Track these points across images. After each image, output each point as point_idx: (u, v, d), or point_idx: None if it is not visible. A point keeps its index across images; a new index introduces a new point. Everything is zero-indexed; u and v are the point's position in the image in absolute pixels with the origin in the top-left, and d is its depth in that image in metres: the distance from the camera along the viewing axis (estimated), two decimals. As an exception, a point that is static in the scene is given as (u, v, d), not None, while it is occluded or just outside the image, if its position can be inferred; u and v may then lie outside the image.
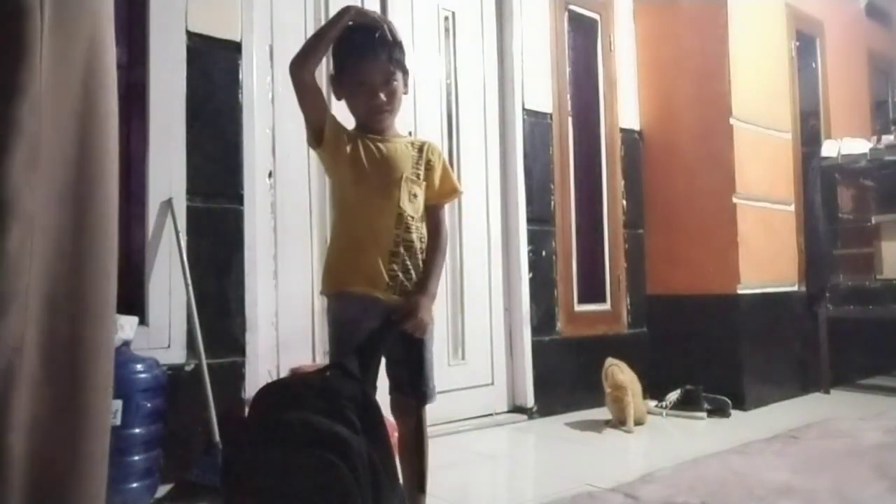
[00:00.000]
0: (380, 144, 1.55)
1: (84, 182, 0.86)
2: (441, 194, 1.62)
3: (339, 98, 1.60)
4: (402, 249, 1.52)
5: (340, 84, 1.57)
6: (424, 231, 1.58)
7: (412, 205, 1.54)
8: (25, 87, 0.76)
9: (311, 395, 1.21)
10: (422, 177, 1.58)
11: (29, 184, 0.76)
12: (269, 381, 1.34)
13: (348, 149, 1.53)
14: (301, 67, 1.50)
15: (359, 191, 1.52)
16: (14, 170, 0.74)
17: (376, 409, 1.29)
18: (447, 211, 1.72)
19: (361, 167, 1.52)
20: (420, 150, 1.60)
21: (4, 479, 0.74)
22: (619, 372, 2.88)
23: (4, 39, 0.76)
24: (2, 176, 0.74)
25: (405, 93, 1.59)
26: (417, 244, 1.55)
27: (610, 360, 2.94)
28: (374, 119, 1.55)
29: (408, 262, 1.52)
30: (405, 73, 1.57)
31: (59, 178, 0.81)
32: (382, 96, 1.51)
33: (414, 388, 1.54)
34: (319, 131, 1.53)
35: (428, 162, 1.59)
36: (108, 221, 0.90)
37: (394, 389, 1.57)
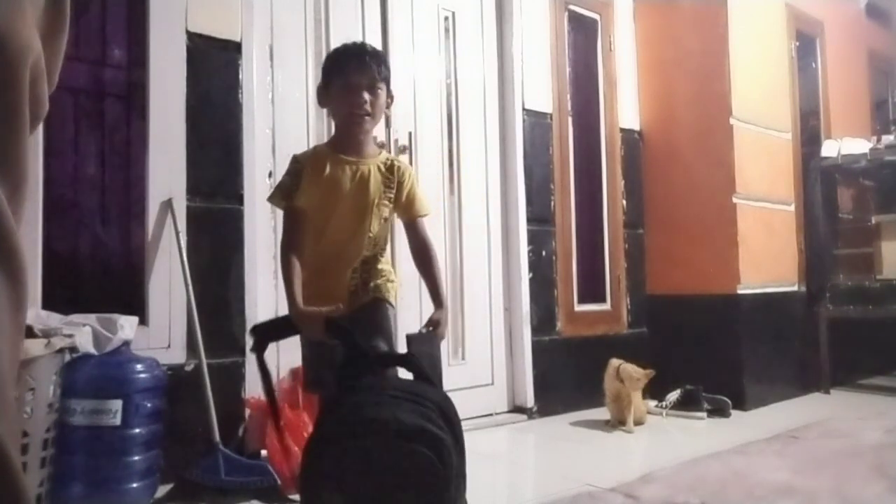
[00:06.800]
0: (355, 168, 1.59)
1: None
2: (410, 213, 1.67)
3: (323, 106, 1.68)
4: (360, 265, 1.61)
5: (327, 90, 1.62)
6: (385, 246, 1.67)
7: (381, 227, 1.62)
8: None
9: (400, 396, 1.23)
10: (392, 199, 1.63)
11: None
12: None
13: (326, 172, 1.57)
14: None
15: (331, 215, 1.57)
16: None
17: (455, 413, 1.31)
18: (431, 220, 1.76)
19: (336, 193, 1.57)
20: (391, 170, 1.64)
21: None
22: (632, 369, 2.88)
23: None
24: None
25: (387, 109, 1.65)
26: (376, 255, 1.64)
27: (616, 360, 2.94)
28: (354, 120, 1.58)
29: (365, 275, 1.62)
30: (389, 90, 1.63)
31: None
32: (366, 95, 1.56)
33: None
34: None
35: (399, 184, 1.64)
36: None
37: None
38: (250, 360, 2.33)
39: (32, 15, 0.64)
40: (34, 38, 0.64)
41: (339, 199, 1.57)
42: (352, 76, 1.56)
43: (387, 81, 1.61)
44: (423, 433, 1.16)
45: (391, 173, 1.63)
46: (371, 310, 1.60)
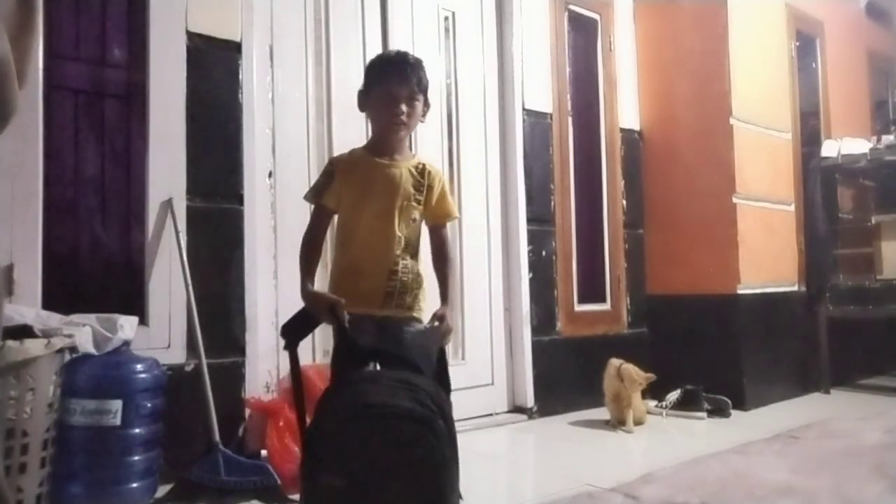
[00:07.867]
0: (386, 170, 1.64)
1: None
2: (436, 217, 1.72)
3: (362, 111, 1.73)
4: (399, 269, 1.62)
5: (368, 97, 1.68)
6: (417, 249, 1.70)
7: (409, 229, 1.66)
8: None
9: (395, 385, 1.29)
10: (422, 202, 1.67)
11: None
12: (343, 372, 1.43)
13: (355, 176, 1.64)
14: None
15: (361, 215, 1.62)
16: None
17: (447, 402, 1.35)
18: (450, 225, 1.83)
19: (366, 193, 1.62)
20: (422, 173, 1.69)
21: None
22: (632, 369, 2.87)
23: None
24: None
25: (422, 120, 1.71)
26: (411, 263, 1.66)
27: (617, 360, 2.94)
28: (391, 129, 1.65)
29: (404, 279, 1.63)
30: (427, 101, 1.70)
31: None
32: (403, 107, 1.62)
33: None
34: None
35: (429, 187, 1.68)
36: None
37: None
38: (250, 360, 2.34)
39: None
40: (0, 38, 0.63)
41: (368, 200, 1.62)
42: (391, 87, 1.63)
43: (425, 92, 1.68)
44: (417, 416, 1.22)
45: (422, 177, 1.68)
46: (406, 331, 1.62)
